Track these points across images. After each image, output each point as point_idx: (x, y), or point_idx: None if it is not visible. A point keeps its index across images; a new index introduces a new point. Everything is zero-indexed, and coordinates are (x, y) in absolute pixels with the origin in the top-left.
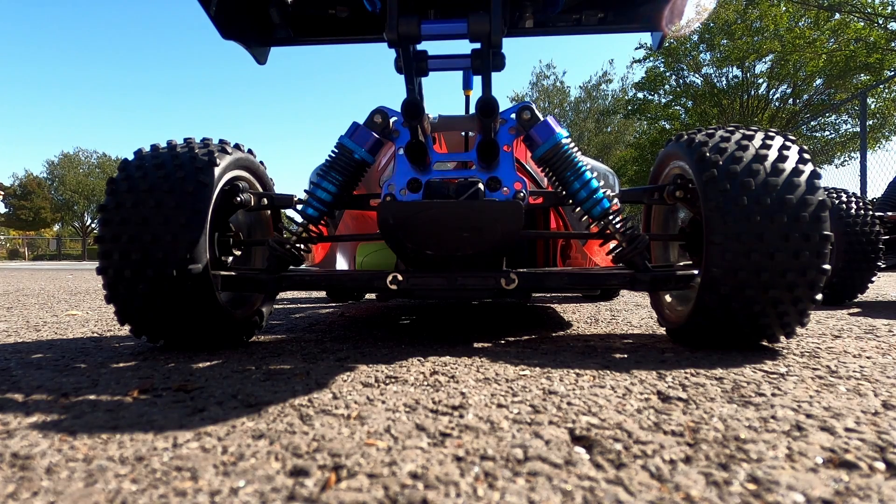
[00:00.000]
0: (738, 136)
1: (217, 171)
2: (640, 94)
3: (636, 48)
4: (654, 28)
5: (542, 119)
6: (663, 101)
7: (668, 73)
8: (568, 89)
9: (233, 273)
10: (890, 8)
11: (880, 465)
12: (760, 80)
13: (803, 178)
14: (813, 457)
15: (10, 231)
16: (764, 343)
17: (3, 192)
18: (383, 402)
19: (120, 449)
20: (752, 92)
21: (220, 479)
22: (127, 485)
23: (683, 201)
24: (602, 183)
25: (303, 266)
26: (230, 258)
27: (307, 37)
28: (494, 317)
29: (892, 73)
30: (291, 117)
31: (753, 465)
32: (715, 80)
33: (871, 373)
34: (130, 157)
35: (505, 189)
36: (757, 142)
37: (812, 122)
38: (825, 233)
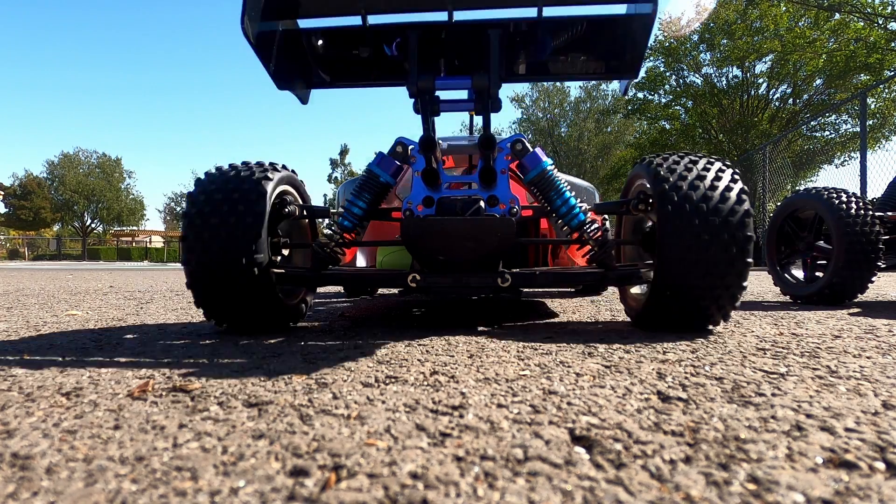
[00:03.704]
0: (686, 160)
1: (270, 185)
2: (640, 94)
3: None
4: (628, 76)
5: (531, 150)
6: (663, 101)
7: (668, 73)
8: (568, 89)
9: (283, 270)
10: (890, 8)
11: (880, 465)
12: (760, 80)
13: (733, 193)
14: (813, 457)
15: (10, 231)
16: (709, 326)
17: (3, 192)
18: (383, 402)
19: (120, 449)
20: (752, 92)
21: (220, 479)
22: (127, 485)
23: (645, 212)
24: (580, 199)
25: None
26: (279, 258)
27: (341, 81)
28: (494, 308)
29: (892, 73)
30: (290, 117)
31: (753, 465)
32: (715, 80)
33: (871, 373)
34: (202, 175)
35: (501, 205)
36: (700, 165)
37: (812, 122)
38: (748, 234)
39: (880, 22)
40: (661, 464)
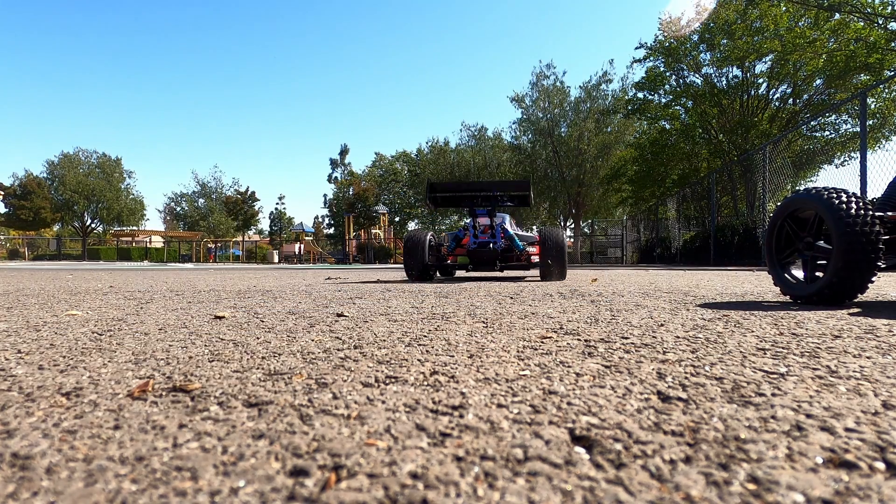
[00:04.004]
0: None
1: (428, 235)
2: (640, 94)
3: (636, 48)
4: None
5: (507, 224)
6: (663, 101)
7: (668, 73)
8: (568, 89)
9: (432, 263)
10: (890, 8)
11: (880, 465)
12: (760, 80)
13: (566, 234)
14: (813, 457)
15: (10, 231)
16: (557, 281)
17: (3, 192)
18: (383, 402)
19: (120, 449)
20: (752, 92)
21: (220, 479)
22: (127, 485)
23: (539, 243)
24: (524, 241)
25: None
26: (434, 258)
27: (447, 206)
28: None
29: (892, 73)
30: (290, 117)
31: (753, 465)
32: (715, 80)
33: (871, 373)
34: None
35: (499, 244)
36: (557, 230)
37: (812, 122)
38: (567, 250)
39: (880, 22)
40: (661, 464)
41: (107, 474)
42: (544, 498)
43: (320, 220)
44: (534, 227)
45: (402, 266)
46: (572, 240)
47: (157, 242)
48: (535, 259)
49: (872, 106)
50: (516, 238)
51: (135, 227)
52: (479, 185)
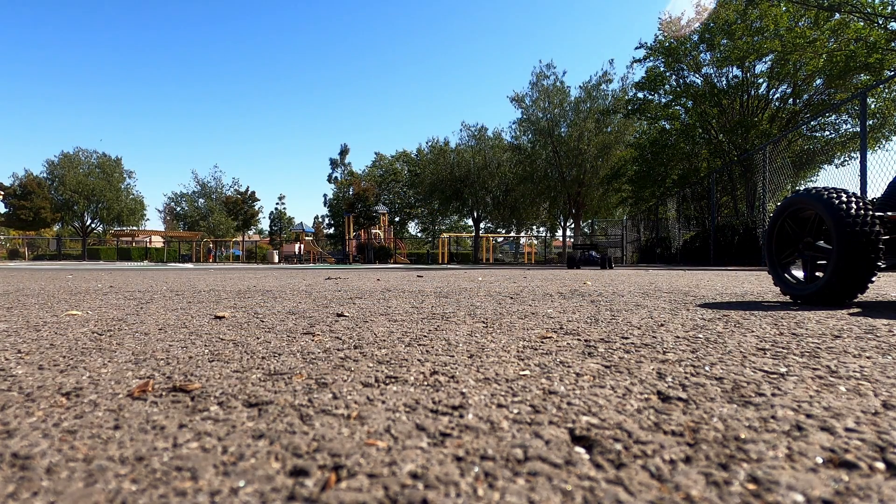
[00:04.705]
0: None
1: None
2: (640, 94)
3: (636, 48)
4: None
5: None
6: (663, 101)
7: (668, 73)
8: (568, 89)
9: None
10: (890, 8)
11: (880, 465)
12: (760, 80)
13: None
14: (813, 457)
15: (10, 231)
16: None
17: (3, 192)
18: (383, 402)
19: (120, 449)
20: (752, 92)
21: (220, 479)
22: (127, 485)
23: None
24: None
25: None
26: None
27: None
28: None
29: (892, 73)
30: (291, 117)
31: (753, 465)
32: (715, 80)
33: (871, 373)
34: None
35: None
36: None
37: (812, 122)
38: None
39: (880, 22)
40: (661, 464)
41: (107, 474)
42: (544, 498)
43: (320, 220)
44: (535, 229)
45: (402, 266)
46: (572, 240)
47: (157, 242)
48: None
49: (872, 106)
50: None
51: (135, 228)
52: None
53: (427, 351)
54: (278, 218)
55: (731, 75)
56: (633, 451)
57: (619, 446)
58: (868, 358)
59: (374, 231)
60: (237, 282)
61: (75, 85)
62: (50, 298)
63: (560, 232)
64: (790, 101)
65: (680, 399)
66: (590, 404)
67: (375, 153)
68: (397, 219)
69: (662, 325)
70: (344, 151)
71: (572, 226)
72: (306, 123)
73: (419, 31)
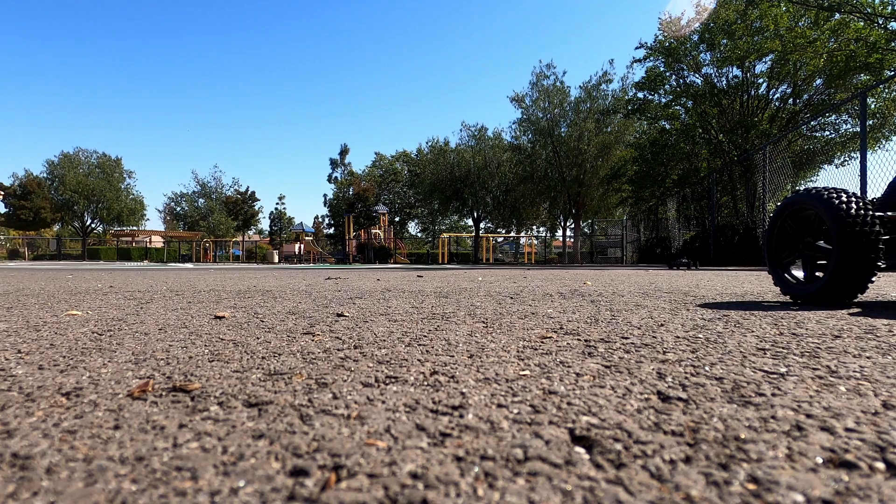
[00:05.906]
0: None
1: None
2: (640, 94)
3: (636, 48)
4: None
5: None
6: (663, 101)
7: (668, 73)
8: (568, 89)
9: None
10: (890, 8)
11: (880, 465)
12: (760, 80)
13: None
14: (813, 457)
15: (10, 231)
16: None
17: (3, 192)
18: (383, 402)
19: (120, 449)
20: (752, 92)
21: (220, 479)
22: (127, 485)
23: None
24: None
25: None
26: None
27: None
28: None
29: (892, 73)
30: (291, 117)
31: (753, 465)
32: (715, 80)
33: (871, 373)
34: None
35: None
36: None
37: (812, 122)
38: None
39: (880, 22)
40: (661, 464)
41: (107, 474)
42: (544, 498)
43: (320, 220)
44: (535, 229)
45: (402, 266)
46: (572, 240)
47: (157, 242)
48: None
49: (872, 106)
50: None
51: (135, 228)
52: None
53: (427, 351)
54: (278, 218)
55: (731, 75)
56: (633, 451)
57: (619, 446)
58: (868, 358)
59: (374, 231)
60: (237, 282)
61: (75, 85)
62: (50, 298)
63: (560, 232)
64: (790, 101)
65: (680, 399)
66: (590, 404)
67: (375, 153)
68: (397, 219)
69: (662, 325)
70: (344, 151)
71: (572, 226)
72: (306, 123)
73: (419, 32)
